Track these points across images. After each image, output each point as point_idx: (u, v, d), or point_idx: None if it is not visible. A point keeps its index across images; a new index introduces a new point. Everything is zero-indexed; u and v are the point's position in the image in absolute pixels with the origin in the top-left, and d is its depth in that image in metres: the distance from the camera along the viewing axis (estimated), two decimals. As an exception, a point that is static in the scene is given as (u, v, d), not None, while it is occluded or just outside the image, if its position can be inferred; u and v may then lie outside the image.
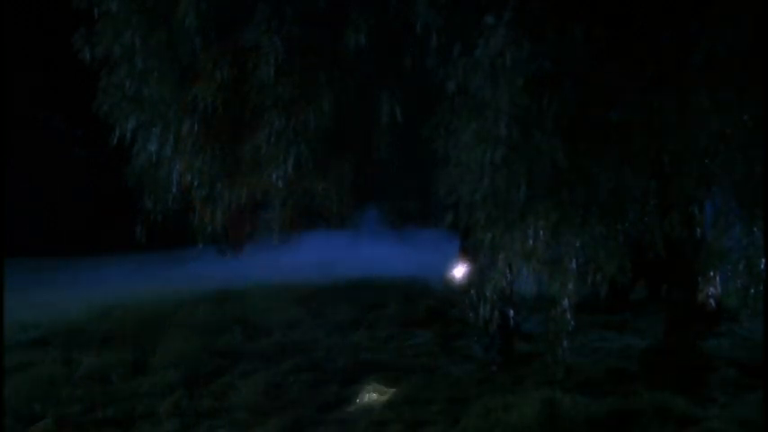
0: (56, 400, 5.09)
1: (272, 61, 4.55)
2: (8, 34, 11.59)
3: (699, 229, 4.39)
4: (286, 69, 4.69)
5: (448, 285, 8.11)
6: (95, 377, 5.61)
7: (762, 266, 4.01)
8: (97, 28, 5.48)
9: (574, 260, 4.27)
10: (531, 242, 4.19)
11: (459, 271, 6.21)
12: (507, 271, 4.39)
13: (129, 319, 7.57)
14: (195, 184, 5.68)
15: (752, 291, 4.07)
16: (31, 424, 4.67)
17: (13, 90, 12.82)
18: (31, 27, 13.19)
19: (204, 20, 4.78)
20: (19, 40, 12.85)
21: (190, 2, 4.70)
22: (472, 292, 4.50)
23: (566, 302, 4.32)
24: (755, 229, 3.98)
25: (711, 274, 4.46)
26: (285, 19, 4.55)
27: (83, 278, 11.00)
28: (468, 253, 5.95)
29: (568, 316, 4.33)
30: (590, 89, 3.93)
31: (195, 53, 4.99)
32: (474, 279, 4.54)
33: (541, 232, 4.20)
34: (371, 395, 5.07)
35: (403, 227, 10.19)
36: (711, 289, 5.17)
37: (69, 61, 5.88)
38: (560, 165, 3.91)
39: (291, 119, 4.83)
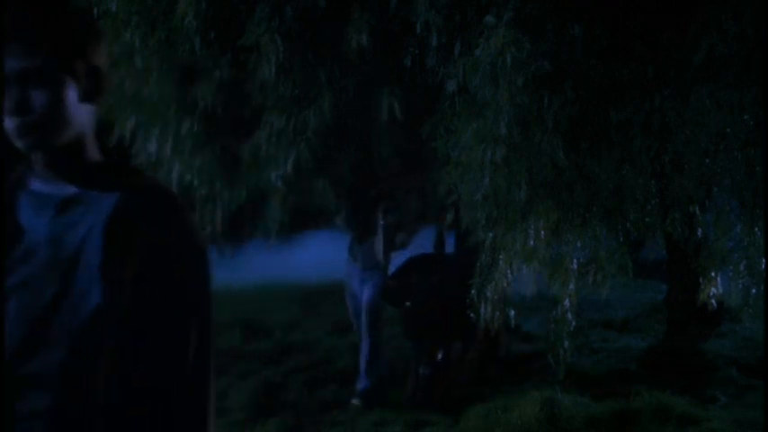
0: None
1: (273, 60, 4.55)
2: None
3: (700, 229, 4.39)
4: (286, 68, 4.68)
5: None
6: (95, 377, 5.60)
7: (763, 267, 4.01)
8: (97, 28, 5.48)
9: (575, 260, 4.27)
10: (531, 242, 4.19)
11: None
12: (508, 271, 4.38)
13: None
14: (195, 184, 5.69)
15: (753, 291, 4.07)
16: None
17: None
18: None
19: (204, 20, 4.78)
20: (19, 40, 12.85)
21: (190, 2, 4.70)
22: (473, 291, 4.49)
23: (567, 302, 4.32)
24: (756, 229, 3.98)
25: (712, 274, 4.45)
26: (285, 18, 4.54)
27: (83, 278, 11.00)
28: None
29: (569, 316, 4.33)
30: (590, 89, 3.92)
31: (195, 53, 4.99)
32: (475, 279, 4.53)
33: (542, 232, 4.20)
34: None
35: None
36: (713, 289, 5.16)
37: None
38: (561, 164, 3.90)
39: (291, 118, 4.82)
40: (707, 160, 3.99)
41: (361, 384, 5.14)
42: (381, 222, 5.28)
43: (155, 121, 5.55)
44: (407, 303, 5.04)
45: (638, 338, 6.30)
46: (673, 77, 3.89)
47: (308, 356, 6.04)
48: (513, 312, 4.53)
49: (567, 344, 4.37)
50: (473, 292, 4.53)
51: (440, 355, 4.90)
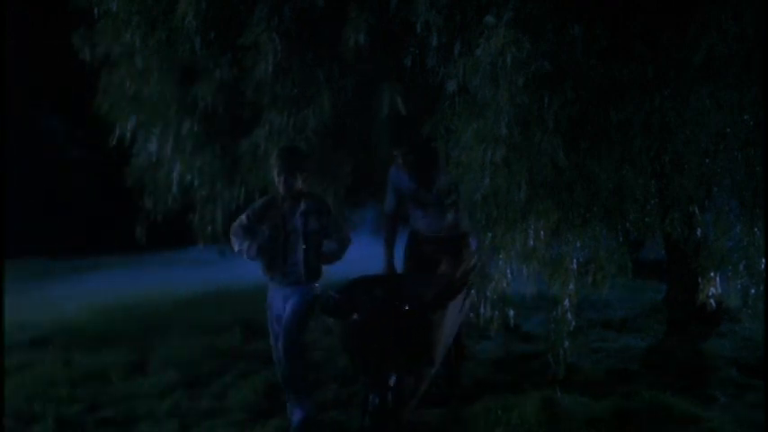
0: (56, 400, 5.08)
1: (271, 60, 4.55)
2: (8, 34, 11.59)
3: (699, 229, 4.39)
4: (284, 68, 4.69)
5: None
6: (95, 377, 5.60)
7: (762, 267, 4.01)
8: (97, 28, 5.50)
9: (575, 260, 4.28)
10: (531, 242, 4.20)
11: None
12: (508, 271, 4.38)
13: (129, 319, 7.57)
14: (195, 184, 5.70)
15: (752, 291, 4.07)
16: (31, 424, 4.67)
17: (13, 90, 12.83)
18: (30, 27, 13.19)
19: (204, 20, 4.79)
20: (19, 40, 12.85)
21: (190, 2, 4.71)
22: (472, 292, 4.49)
23: (567, 302, 4.32)
24: (756, 229, 3.98)
25: (712, 274, 4.46)
26: (284, 18, 4.55)
27: (83, 278, 11.00)
28: None
29: (569, 316, 4.33)
30: (590, 89, 3.93)
31: (195, 53, 5.00)
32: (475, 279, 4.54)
33: (542, 232, 4.20)
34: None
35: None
36: (712, 289, 5.17)
37: (69, 61, 5.90)
38: (561, 164, 3.91)
39: (290, 118, 4.83)
40: (707, 160, 3.99)
41: (296, 416, 4.42)
42: (301, 229, 4.31)
43: (155, 121, 5.57)
44: (355, 315, 4.25)
45: (637, 338, 6.29)
46: (673, 77, 3.90)
47: (308, 356, 6.04)
48: (512, 312, 4.53)
49: (567, 344, 4.37)
50: (472, 292, 4.54)
51: (392, 381, 4.20)
